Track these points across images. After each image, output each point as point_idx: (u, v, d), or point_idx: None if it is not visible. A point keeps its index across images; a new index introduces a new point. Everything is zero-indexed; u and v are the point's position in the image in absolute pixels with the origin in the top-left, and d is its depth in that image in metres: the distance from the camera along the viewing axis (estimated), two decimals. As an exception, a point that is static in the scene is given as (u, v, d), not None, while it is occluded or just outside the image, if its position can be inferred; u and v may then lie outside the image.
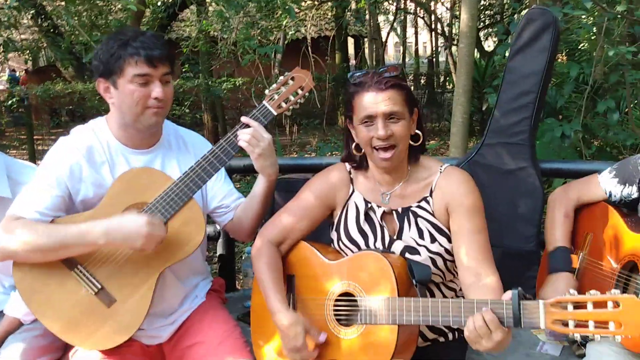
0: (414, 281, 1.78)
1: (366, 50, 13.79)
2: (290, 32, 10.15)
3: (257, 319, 2.04)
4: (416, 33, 19.55)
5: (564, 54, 7.18)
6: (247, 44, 4.28)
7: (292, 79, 2.01)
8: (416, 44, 19.92)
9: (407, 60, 18.55)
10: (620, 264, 1.92)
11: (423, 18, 13.74)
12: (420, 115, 1.91)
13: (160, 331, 2.03)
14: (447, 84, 14.66)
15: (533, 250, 2.44)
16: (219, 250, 2.91)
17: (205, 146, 2.08)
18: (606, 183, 2.04)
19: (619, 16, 3.85)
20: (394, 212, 1.91)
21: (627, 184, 1.99)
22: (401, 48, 19.64)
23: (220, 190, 2.09)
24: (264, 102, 1.99)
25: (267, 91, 2.02)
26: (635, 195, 1.98)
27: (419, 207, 1.89)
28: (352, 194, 1.97)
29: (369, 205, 1.94)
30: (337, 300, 1.84)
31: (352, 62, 16.07)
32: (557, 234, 2.07)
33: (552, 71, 2.66)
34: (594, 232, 2.05)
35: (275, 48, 4.28)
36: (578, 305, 1.43)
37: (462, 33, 3.57)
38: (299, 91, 2.01)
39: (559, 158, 4.03)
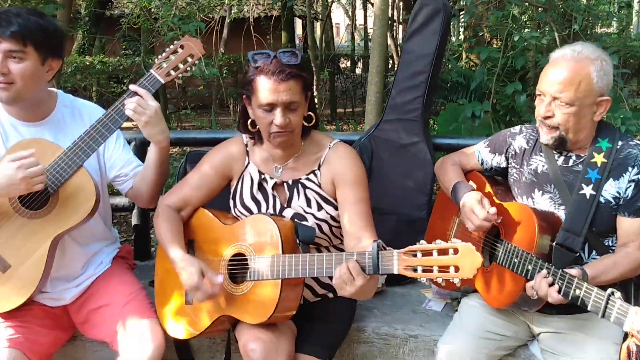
0: (298, 241, 1.96)
1: (317, 31, 13.86)
2: (233, 11, 10.14)
3: (159, 282, 2.19)
4: (365, 15, 19.69)
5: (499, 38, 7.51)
6: (169, 20, 4.34)
7: (182, 47, 2.07)
8: (365, 25, 20.05)
9: (358, 42, 18.69)
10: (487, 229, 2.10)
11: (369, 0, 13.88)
12: (312, 97, 2.07)
13: (63, 294, 2.15)
14: (394, 66, 14.93)
15: (424, 217, 2.64)
16: (134, 220, 3.03)
17: None
18: (480, 153, 2.26)
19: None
20: (284, 183, 2.09)
21: (497, 154, 2.21)
22: (352, 30, 19.75)
23: (118, 159, 2.18)
24: (152, 70, 2.05)
25: (156, 60, 2.09)
26: (504, 164, 2.20)
27: (308, 179, 2.07)
28: (247, 165, 2.13)
29: (263, 176, 2.10)
30: (231, 260, 2.00)
31: (300, 43, 16.13)
32: (450, 177, 2.21)
33: (443, 53, 2.87)
34: None
35: (198, 26, 4.32)
36: (425, 253, 1.63)
37: (375, 16, 3.74)
38: (189, 59, 2.07)
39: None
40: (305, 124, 2.04)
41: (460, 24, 7.52)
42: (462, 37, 10.70)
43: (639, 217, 1.90)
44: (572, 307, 1.79)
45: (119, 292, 2.15)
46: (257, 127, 2.03)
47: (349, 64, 15.71)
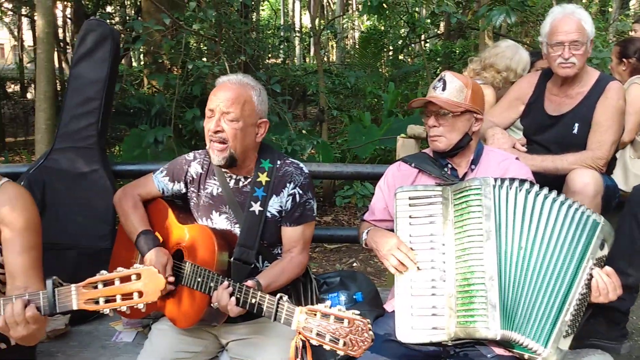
0: None
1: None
2: None
3: None
4: (34, 36, 17.89)
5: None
6: None
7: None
8: (35, 47, 18.24)
9: (27, 64, 16.95)
10: (171, 253, 2.15)
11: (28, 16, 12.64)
12: None
13: None
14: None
15: (108, 247, 2.56)
16: None
17: None
18: (160, 181, 2.30)
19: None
20: None
21: (176, 182, 2.28)
22: (19, 51, 17.86)
23: None
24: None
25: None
26: (183, 190, 2.28)
27: None
28: None
29: None
30: None
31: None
32: (134, 223, 2.20)
33: (115, 79, 2.85)
34: (156, 227, 2.26)
35: None
36: (107, 283, 1.58)
37: (39, 39, 3.52)
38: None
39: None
40: None
41: (140, 50, 7.54)
42: (142, 62, 10.70)
43: (298, 225, 2.18)
44: (253, 313, 1.93)
45: None
46: None
47: (17, 88, 14.14)
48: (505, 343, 1.90)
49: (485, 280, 1.87)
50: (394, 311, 2.02)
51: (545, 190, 1.97)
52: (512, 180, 1.99)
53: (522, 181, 2.00)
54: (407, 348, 1.98)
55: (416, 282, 1.98)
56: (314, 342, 1.65)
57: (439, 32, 13.20)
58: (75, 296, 1.58)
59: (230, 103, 2.06)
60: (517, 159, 2.29)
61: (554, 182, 2.55)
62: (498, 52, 3.65)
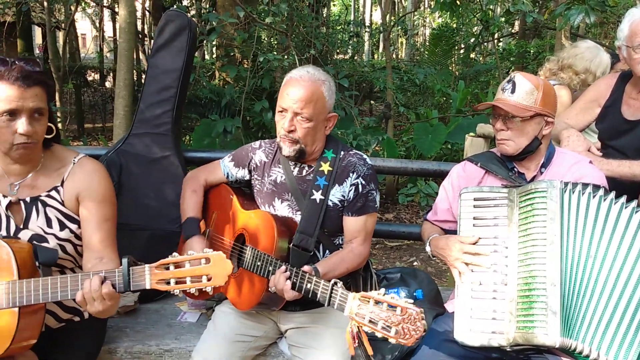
0: (38, 264, 1.82)
1: (60, 40, 12.80)
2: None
3: None
4: (114, 27, 18.67)
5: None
6: None
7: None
8: (115, 37, 19.01)
9: (107, 54, 17.76)
10: (234, 237, 2.25)
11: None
12: (51, 108, 1.96)
13: None
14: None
15: (178, 231, 2.66)
16: None
17: None
18: (225, 166, 2.38)
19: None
20: (21, 201, 1.92)
21: (240, 167, 2.35)
22: (99, 41, 18.72)
23: None
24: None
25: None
26: (247, 177, 2.35)
27: (49, 196, 1.94)
28: None
29: None
30: None
31: (40, 52, 14.80)
32: (186, 207, 2.32)
33: (190, 69, 2.95)
34: (218, 211, 2.37)
35: None
36: (178, 265, 1.65)
37: (121, 29, 3.68)
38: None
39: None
40: (46, 136, 1.92)
41: (213, 43, 7.78)
42: (214, 55, 10.99)
43: (360, 215, 2.19)
44: (312, 303, 1.97)
45: None
46: None
47: (97, 76, 14.83)
48: (570, 352, 1.84)
49: (547, 285, 1.80)
50: (454, 312, 2.00)
51: (623, 199, 1.89)
52: (585, 185, 1.92)
53: (597, 187, 1.92)
54: (466, 350, 1.96)
55: (477, 284, 1.95)
56: (366, 329, 1.67)
57: (513, 31, 12.83)
58: (149, 276, 1.66)
59: (304, 104, 2.09)
60: (590, 162, 2.21)
61: (629, 189, 2.45)
62: (577, 53, 3.52)
